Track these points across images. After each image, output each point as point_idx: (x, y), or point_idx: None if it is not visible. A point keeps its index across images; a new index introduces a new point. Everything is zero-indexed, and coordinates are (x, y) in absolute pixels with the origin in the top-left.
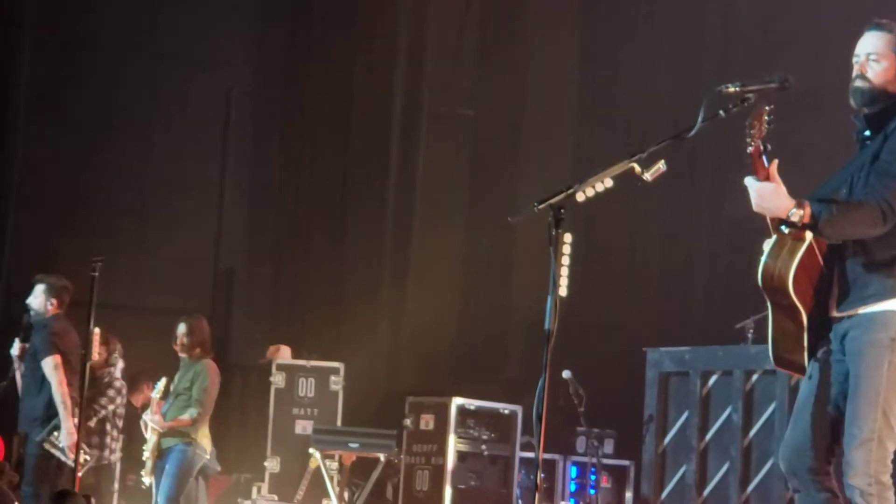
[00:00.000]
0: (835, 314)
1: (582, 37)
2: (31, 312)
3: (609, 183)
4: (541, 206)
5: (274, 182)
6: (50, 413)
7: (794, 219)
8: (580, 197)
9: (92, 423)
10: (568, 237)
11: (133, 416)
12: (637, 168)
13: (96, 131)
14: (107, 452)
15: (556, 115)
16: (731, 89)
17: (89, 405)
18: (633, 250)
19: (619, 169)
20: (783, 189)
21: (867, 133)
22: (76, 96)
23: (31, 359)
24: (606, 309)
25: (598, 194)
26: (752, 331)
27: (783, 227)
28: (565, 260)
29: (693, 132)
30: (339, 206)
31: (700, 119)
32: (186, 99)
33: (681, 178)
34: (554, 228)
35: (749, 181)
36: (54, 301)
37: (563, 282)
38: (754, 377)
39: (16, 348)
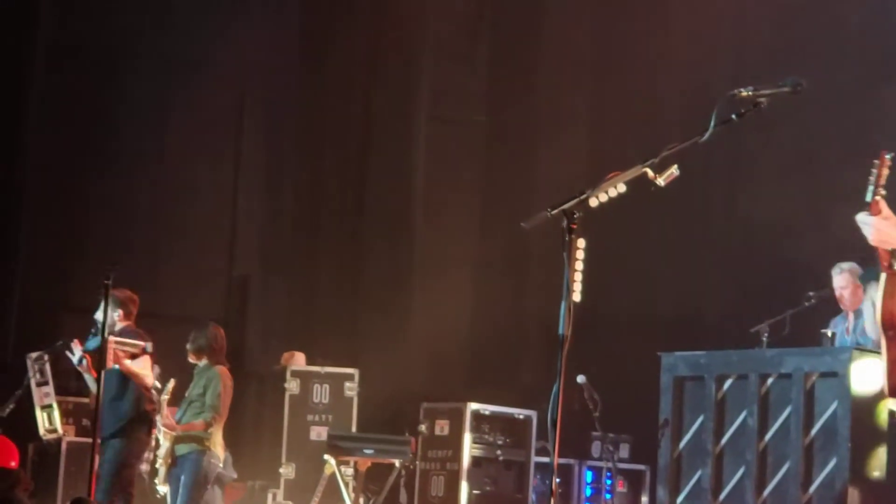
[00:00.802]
0: None
1: (595, 42)
2: (99, 325)
3: (622, 188)
4: (554, 212)
5: (287, 188)
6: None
7: None
8: (593, 202)
9: None
10: (581, 242)
11: None
12: (650, 173)
13: (109, 138)
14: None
15: (569, 121)
16: (744, 93)
17: None
18: (647, 255)
19: (632, 174)
20: None
21: None
22: (89, 104)
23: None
24: (621, 314)
25: (611, 199)
26: (766, 334)
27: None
28: (579, 265)
29: (706, 136)
30: (353, 211)
31: (713, 123)
32: (199, 105)
33: (694, 182)
34: (567, 234)
35: (862, 217)
36: (121, 312)
37: (577, 287)
38: (769, 381)
39: (77, 353)
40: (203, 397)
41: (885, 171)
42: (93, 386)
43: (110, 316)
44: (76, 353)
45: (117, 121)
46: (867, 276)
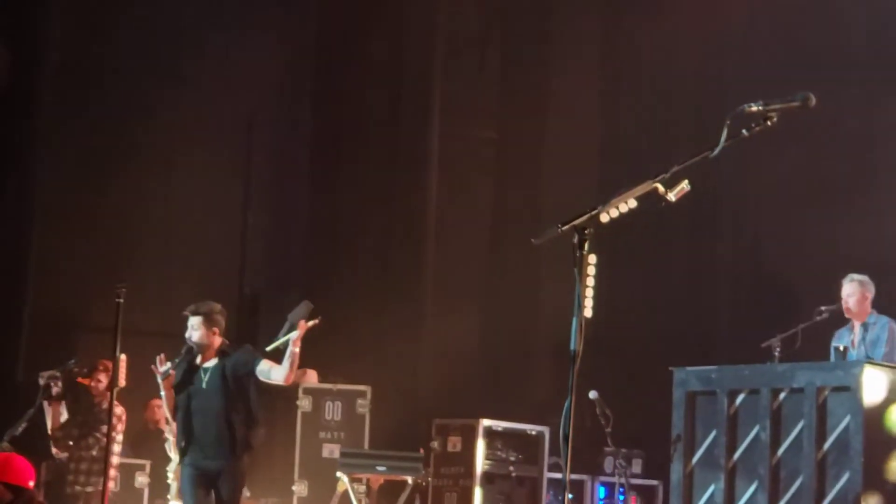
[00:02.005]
0: None
1: (604, 58)
2: (191, 344)
3: (633, 203)
4: (565, 228)
5: (297, 207)
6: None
7: None
8: (604, 218)
9: (94, 452)
10: (593, 258)
11: (157, 440)
12: (661, 188)
13: (119, 157)
14: (112, 483)
15: (579, 136)
16: (754, 108)
17: (90, 433)
18: (658, 270)
19: (642, 189)
20: None
21: None
22: (99, 122)
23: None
24: (632, 329)
25: (622, 215)
26: (778, 349)
27: None
28: (590, 281)
29: (716, 152)
30: (363, 230)
31: (723, 139)
32: (210, 123)
33: (704, 196)
34: (578, 250)
35: None
36: (215, 329)
37: (588, 303)
38: (782, 395)
39: (164, 368)
40: None
41: None
42: (165, 403)
43: (205, 335)
44: (163, 368)
45: (128, 139)
46: None
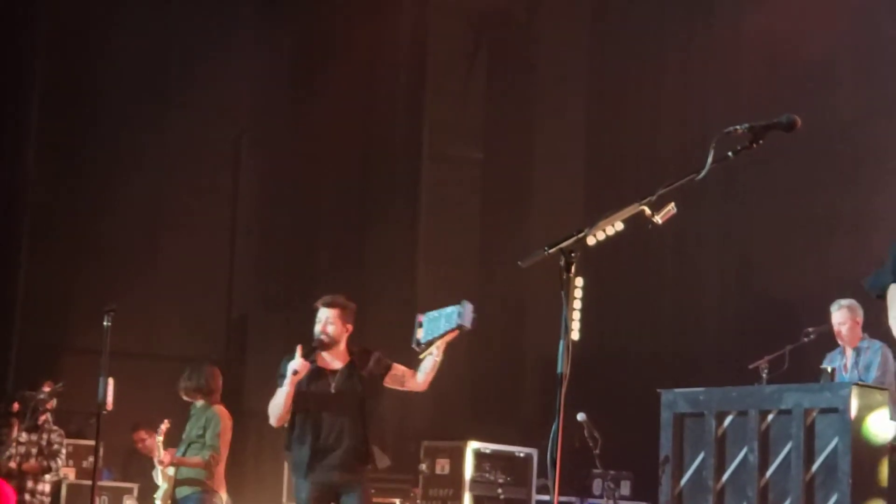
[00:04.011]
0: None
1: (591, 79)
2: (325, 339)
3: (620, 226)
4: (551, 251)
5: (285, 227)
6: None
7: None
8: (591, 240)
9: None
10: (579, 281)
11: (145, 463)
12: (647, 211)
13: (107, 179)
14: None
15: (566, 158)
16: (740, 130)
17: (54, 458)
18: (645, 292)
19: (629, 212)
20: None
21: None
22: (87, 144)
23: None
24: (620, 351)
25: (608, 237)
26: (766, 371)
27: None
28: (577, 303)
29: (702, 174)
30: (350, 249)
31: (709, 161)
32: (196, 145)
33: (691, 219)
34: (565, 272)
35: None
36: (349, 326)
37: (575, 325)
38: (770, 417)
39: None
40: (202, 438)
41: None
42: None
43: (340, 330)
44: (296, 363)
45: (115, 161)
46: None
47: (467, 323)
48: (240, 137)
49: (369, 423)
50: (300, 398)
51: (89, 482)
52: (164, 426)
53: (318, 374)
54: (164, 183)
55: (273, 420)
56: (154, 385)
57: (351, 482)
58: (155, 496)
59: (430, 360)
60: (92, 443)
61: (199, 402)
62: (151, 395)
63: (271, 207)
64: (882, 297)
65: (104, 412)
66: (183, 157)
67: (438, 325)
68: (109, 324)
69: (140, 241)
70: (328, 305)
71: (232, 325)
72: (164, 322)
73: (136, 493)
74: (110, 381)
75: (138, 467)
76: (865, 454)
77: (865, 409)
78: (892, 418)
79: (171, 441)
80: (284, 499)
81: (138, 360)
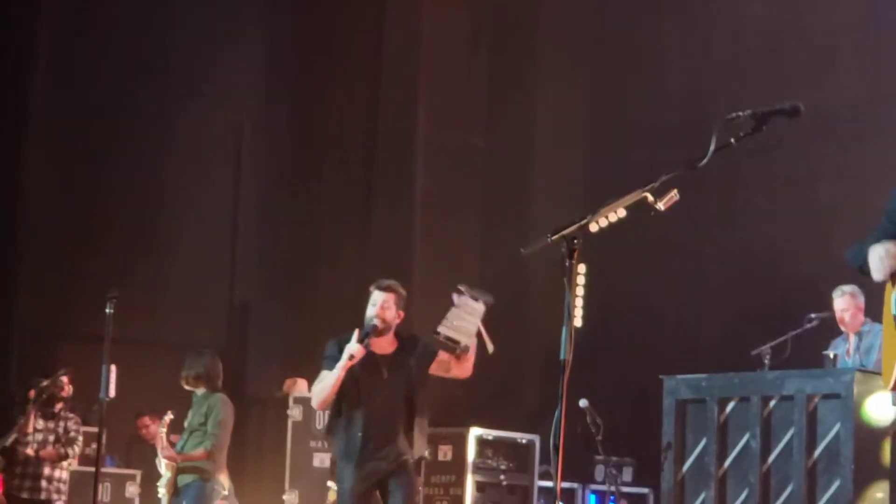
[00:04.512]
0: None
1: (592, 65)
2: (380, 324)
3: (622, 213)
4: (554, 238)
5: (287, 214)
6: None
7: None
8: (593, 227)
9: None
10: (582, 268)
11: (148, 450)
12: (650, 197)
13: (108, 166)
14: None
15: (568, 145)
16: (742, 117)
17: (71, 445)
18: (648, 279)
19: (631, 199)
20: None
21: None
22: (88, 131)
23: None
24: (622, 338)
25: (611, 224)
26: (768, 357)
27: None
28: (580, 290)
29: (705, 161)
30: (353, 237)
31: (712, 148)
32: (198, 132)
33: (693, 205)
34: (568, 259)
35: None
36: (402, 312)
37: (578, 312)
38: (772, 403)
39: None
40: (204, 426)
41: None
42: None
43: (394, 316)
44: (353, 346)
45: (116, 148)
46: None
47: (485, 298)
48: (242, 124)
49: (417, 411)
50: (350, 384)
51: (92, 469)
52: (168, 418)
53: (369, 359)
54: (166, 170)
55: (317, 403)
56: (156, 372)
57: (398, 471)
58: (158, 484)
59: (470, 347)
60: (95, 430)
61: (201, 390)
62: (154, 382)
63: (273, 195)
64: (864, 270)
65: (107, 399)
66: (185, 144)
67: (463, 321)
68: (112, 311)
69: (142, 228)
70: (385, 290)
71: (234, 312)
72: (166, 309)
73: (138, 479)
74: (113, 368)
75: (141, 454)
76: (868, 440)
77: (868, 395)
78: (894, 403)
79: (174, 429)
80: (286, 485)
81: (140, 348)
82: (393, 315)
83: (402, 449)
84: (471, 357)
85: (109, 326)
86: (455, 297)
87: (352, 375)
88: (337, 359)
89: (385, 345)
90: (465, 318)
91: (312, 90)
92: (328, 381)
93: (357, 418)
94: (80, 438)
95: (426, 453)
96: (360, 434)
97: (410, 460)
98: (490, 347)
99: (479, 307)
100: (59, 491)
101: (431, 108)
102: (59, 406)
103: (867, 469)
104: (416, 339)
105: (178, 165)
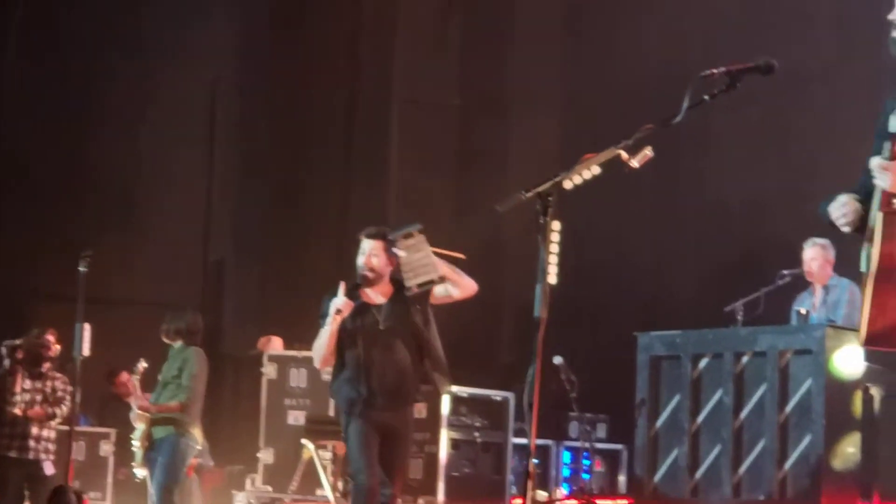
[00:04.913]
0: None
1: (567, 23)
2: (370, 273)
3: (596, 170)
4: (528, 195)
5: (262, 173)
6: None
7: None
8: (568, 184)
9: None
10: (556, 225)
11: (122, 408)
12: (624, 155)
13: (82, 124)
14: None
15: (542, 102)
16: (716, 74)
17: (58, 404)
18: (622, 236)
19: (606, 156)
20: None
21: None
22: (61, 90)
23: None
24: (597, 295)
25: (585, 181)
26: (741, 313)
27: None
28: (554, 247)
29: (679, 118)
30: (328, 196)
31: (686, 105)
32: (173, 91)
33: (667, 163)
34: (542, 216)
35: (882, 162)
36: (393, 258)
37: (553, 269)
38: (744, 359)
39: (343, 304)
40: (178, 379)
41: None
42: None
43: (385, 263)
44: (339, 300)
45: (90, 106)
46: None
47: (412, 228)
48: (217, 85)
49: (428, 352)
50: (348, 337)
51: (66, 428)
52: (141, 366)
53: (364, 310)
54: (140, 127)
55: (317, 362)
56: (130, 331)
57: (400, 426)
58: (132, 437)
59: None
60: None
61: (177, 344)
62: (128, 340)
63: (248, 152)
64: (833, 224)
65: (80, 358)
66: (160, 106)
67: (417, 261)
68: (86, 270)
69: (115, 188)
70: (372, 237)
71: (208, 271)
72: (141, 268)
73: (113, 438)
74: (86, 327)
75: (115, 413)
76: (839, 395)
77: (838, 350)
78: (865, 359)
79: (148, 382)
80: (261, 443)
81: (114, 306)
82: (382, 262)
83: (407, 398)
84: (458, 276)
85: (83, 285)
86: (395, 250)
87: (349, 329)
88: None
89: (380, 293)
90: (416, 257)
91: (288, 52)
92: (322, 339)
93: (358, 371)
94: (68, 398)
95: (449, 385)
96: (362, 387)
97: (413, 414)
98: (461, 256)
99: (416, 238)
100: (46, 451)
101: (407, 68)
102: (46, 366)
103: (838, 424)
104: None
105: (153, 126)
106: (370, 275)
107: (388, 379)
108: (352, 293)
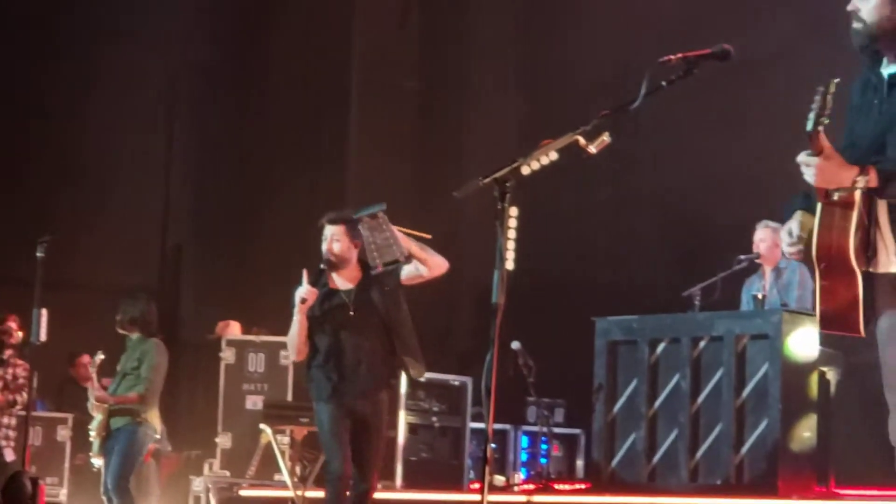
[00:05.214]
0: (888, 270)
1: (526, 7)
2: (332, 258)
3: (554, 156)
4: (486, 181)
5: (221, 157)
6: None
7: (861, 185)
8: (525, 170)
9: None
10: (514, 210)
11: (80, 393)
12: (581, 140)
13: (38, 107)
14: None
15: (501, 87)
16: (674, 60)
17: (19, 391)
18: (580, 221)
19: (563, 142)
20: (840, 158)
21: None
22: (15, 71)
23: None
24: (554, 280)
25: (543, 167)
26: (698, 298)
27: (834, 195)
28: (512, 233)
29: (636, 104)
30: (287, 180)
31: (643, 91)
32: (131, 74)
33: (624, 148)
34: (500, 202)
35: (805, 158)
36: (357, 241)
37: (510, 255)
38: (702, 344)
39: (307, 293)
40: (137, 370)
41: (830, 99)
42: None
43: (348, 247)
44: (303, 289)
45: (45, 89)
46: (791, 206)
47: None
48: (176, 66)
49: (398, 335)
50: (318, 324)
51: (24, 413)
52: (99, 357)
53: (332, 296)
54: (98, 111)
55: (292, 354)
56: (87, 315)
57: (372, 413)
58: (89, 427)
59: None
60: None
61: (136, 335)
62: (85, 325)
63: (208, 138)
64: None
65: (38, 343)
66: (118, 85)
67: (381, 240)
68: (43, 254)
69: (72, 171)
70: (333, 222)
71: (167, 255)
72: (98, 252)
73: (70, 423)
74: (43, 312)
75: (72, 398)
76: (795, 379)
77: (795, 335)
78: (821, 342)
79: (107, 372)
80: (219, 428)
81: (71, 291)
82: (345, 247)
83: (379, 382)
84: (427, 254)
85: (41, 270)
86: (359, 227)
87: (318, 316)
88: None
89: (348, 278)
90: (381, 237)
91: (248, 34)
92: (292, 330)
93: (329, 358)
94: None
95: (424, 372)
96: (333, 374)
97: (386, 401)
98: (426, 236)
99: (378, 219)
100: (7, 437)
101: (366, 51)
102: (8, 353)
103: (794, 408)
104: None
105: (112, 107)
106: (333, 259)
107: (359, 365)
108: (318, 280)
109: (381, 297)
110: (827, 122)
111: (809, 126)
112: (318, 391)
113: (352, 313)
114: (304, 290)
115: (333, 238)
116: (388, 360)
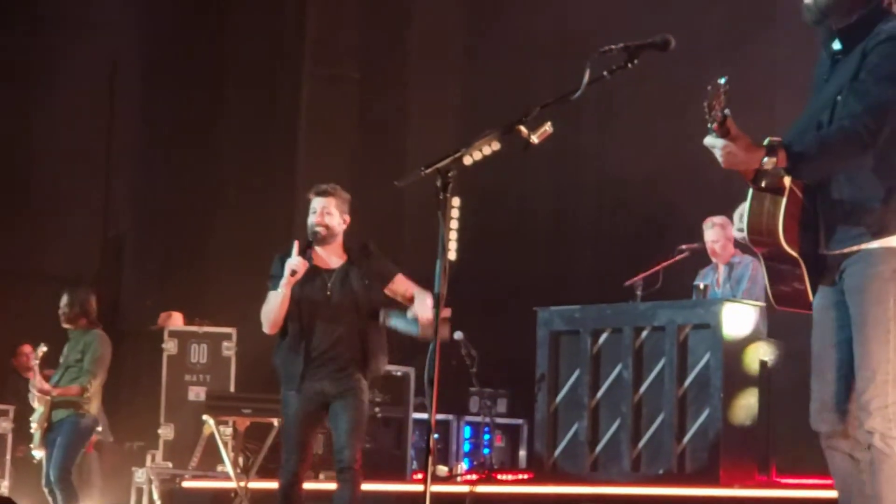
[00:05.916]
0: (828, 252)
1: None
2: (323, 231)
3: (496, 146)
4: (428, 171)
5: (163, 148)
6: None
7: (769, 167)
8: (467, 160)
9: None
10: (456, 201)
11: (21, 384)
12: (524, 130)
13: None
14: None
15: (443, 76)
16: (615, 50)
17: None
18: (521, 211)
19: (505, 131)
20: (748, 140)
21: (837, 48)
22: None
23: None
24: (496, 270)
25: (485, 157)
26: (640, 288)
27: (762, 181)
28: (454, 223)
29: (578, 94)
30: (228, 171)
31: (585, 80)
32: (73, 65)
33: (566, 138)
34: (442, 192)
35: (711, 141)
36: (347, 218)
37: (452, 245)
38: (643, 334)
39: (298, 265)
40: (80, 362)
41: (722, 98)
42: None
43: (339, 221)
44: (294, 261)
45: None
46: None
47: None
48: (118, 52)
49: (368, 329)
50: (293, 303)
51: None
52: (41, 350)
53: (313, 274)
54: (38, 98)
55: (266, 327)
56: (26, 304)
57: (346, 393)
58: (31, 419)
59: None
60: None
61: (79, 327)
62: (25, 314)
63: (150, 128)
64: None
65: None
66: (58, 76)
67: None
68: None
69: (12, 156)
70: (323, 194)
71: (108, 245)
72: (39, 241)
73: (11, 415)
74: None
75: (14, 389)
76: (736, 368)
77: (736, 325)
78: (763, 336)
79: (49, 364)
80: (162, 419)
81: (10, 280)
82: (337, 221)
83: (349, 370)
84: (430, 328)
85: None
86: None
87: (295, 294)
88: (281, 277)
89: (330, 258)
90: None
91: (192, 24)
92: (273, 301)
93: (300, 341)
94: None
95: (383, 369)
96: (302, 358)
97: (361, 381)
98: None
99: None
100: None
101: (305, 39)
102: None
103: (735, 398)
104: (369, 252)
105: (52, 97)
106: (323, 232)
107: (330, 351)
108: (303, 253)
109: (361, 286)
110: (728, 113)
111: (710, 125)
112: (287, 378)
113: (329, 296)
114: (296, 262)
115: (325, 210)
116: (360, 346)
